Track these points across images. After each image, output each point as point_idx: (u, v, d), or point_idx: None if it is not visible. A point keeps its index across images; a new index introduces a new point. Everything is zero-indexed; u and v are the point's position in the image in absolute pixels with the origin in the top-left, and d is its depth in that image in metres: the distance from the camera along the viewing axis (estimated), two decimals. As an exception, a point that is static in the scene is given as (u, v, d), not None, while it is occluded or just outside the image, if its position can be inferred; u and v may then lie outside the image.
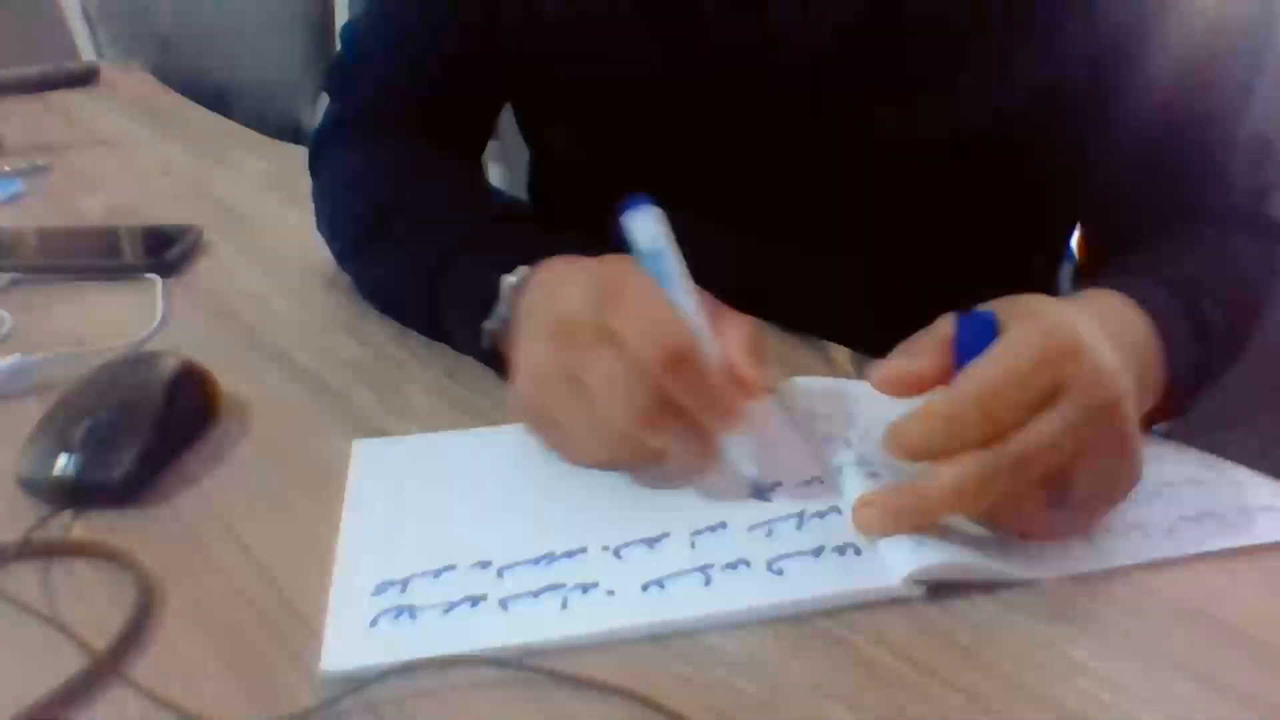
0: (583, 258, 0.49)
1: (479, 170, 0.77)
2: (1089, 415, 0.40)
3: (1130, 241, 0.61)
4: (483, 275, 0.54)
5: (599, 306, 0.45)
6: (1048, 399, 0.40)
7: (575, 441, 0.48)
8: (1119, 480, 0.43)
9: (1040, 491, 0.42)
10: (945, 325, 0.44)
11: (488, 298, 0.54)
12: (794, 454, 0.50)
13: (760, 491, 0.47)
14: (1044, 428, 0.40)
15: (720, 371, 0.45)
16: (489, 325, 0.54)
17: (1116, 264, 0.57)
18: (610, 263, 0.47)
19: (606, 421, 0.45)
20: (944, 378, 0.42)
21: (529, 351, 0.48)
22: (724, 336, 0.46)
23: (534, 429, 0.50)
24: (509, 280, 0.53)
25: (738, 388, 0.45)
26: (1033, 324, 0.41)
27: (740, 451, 0.46)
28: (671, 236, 0.46)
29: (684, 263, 0.46)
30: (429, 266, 0.59)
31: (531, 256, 0.52)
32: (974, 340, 0.42)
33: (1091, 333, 0.42)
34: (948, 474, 0.40)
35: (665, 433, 0.44)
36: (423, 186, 0.67)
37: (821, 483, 0.48)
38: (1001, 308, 0.43)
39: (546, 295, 0.49)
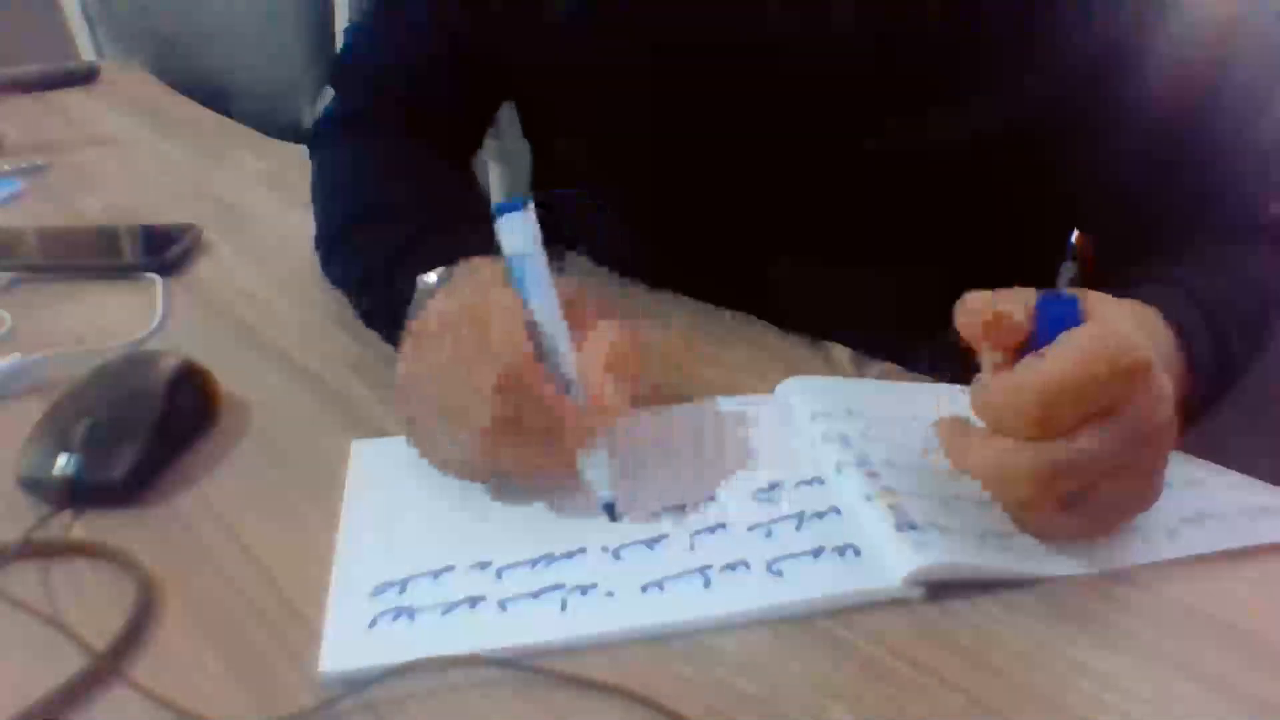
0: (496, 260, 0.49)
1: (469, 172, 0.78)
2: (1138, 439, 0.40)
3: (1146, 252, 0.60)
4: (413, 276, 0.53)
5: (459, 319, 0.45)
6: (1106, 411, 0.40)
7: (437, 452, 0.47)
8: (1141, 500, 0.43)
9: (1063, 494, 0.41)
10: (1028, 293, 0.43)
11: (406, 299, 0.53)
12: (667, 475, 0.48)
13: (611, 511, 0.45)
14: (1097, 442, 0.39)
15: (574, 389, 0.44)
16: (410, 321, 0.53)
17: (1140, 273, 0.56)
18: (487, 269, 0.47)
19: (457, 435, 0.44)
20: (1017, 338, 0.42)
21: (401, 358, 0.48)
22: (589, 351, 0.46)
23: (410, 437, 0.48)
24: (427, 280, 0.52)
25: (594, 406, 0.45)
26: (1108, 335, 0.40)
27: (592, 470, 0.45)
28: (540, 240, 0.45)
29: (549, 269, 0.45)
30: (387, 257, 0.59)
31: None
32: (1056, 323, 0.41)
33: (1156, 355, 0.41)
34: (1005, 458, 0.40)
35: (515, 449, 0.44)
36: (406, 185, 0.67)
37: (821, 483, 0.48)
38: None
39: (435, 301, 0.49)
